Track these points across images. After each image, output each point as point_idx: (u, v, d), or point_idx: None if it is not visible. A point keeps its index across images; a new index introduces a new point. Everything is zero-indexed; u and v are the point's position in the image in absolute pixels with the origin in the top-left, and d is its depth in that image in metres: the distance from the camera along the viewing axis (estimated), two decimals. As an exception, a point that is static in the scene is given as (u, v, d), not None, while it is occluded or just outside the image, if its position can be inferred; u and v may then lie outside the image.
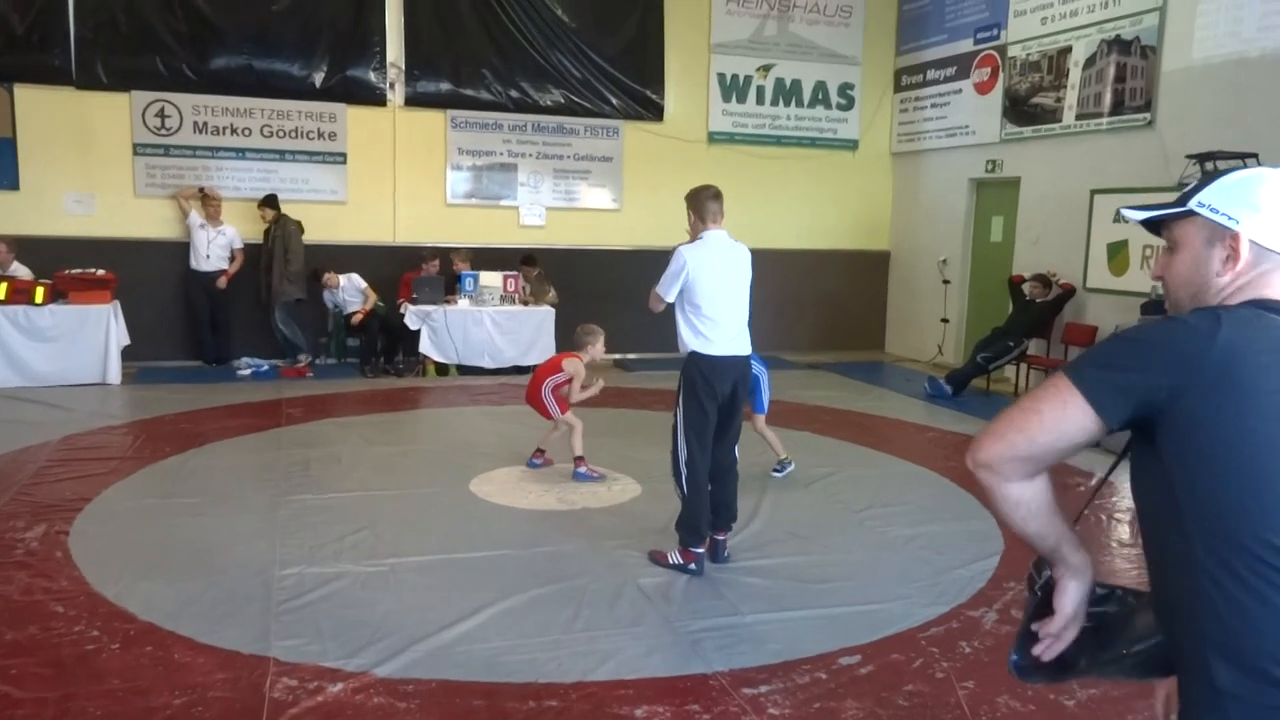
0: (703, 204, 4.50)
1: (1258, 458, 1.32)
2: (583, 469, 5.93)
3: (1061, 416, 1.42)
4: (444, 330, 9.50)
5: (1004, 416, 1.49)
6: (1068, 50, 9.31)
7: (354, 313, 9.63)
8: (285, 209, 9.71)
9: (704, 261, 4.39)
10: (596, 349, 6.15)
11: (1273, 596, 1.31)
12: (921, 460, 6.70)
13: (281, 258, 9.41)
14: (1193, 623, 1.40)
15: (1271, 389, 1.32)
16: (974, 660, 3.62)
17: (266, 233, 9.59)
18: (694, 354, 4.42)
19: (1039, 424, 1.44)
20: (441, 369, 9.64)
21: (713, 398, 4.41)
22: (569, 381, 6.01)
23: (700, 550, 4.45)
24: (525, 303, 9.97)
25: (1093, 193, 8.71)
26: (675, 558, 4.46)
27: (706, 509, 4.48)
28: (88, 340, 8.50)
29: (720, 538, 4.60)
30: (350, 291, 9.70)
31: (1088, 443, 1.44)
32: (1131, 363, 1.40)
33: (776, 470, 6.05)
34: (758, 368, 5.91)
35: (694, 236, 4.53)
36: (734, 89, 11.45)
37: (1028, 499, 1.48)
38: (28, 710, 3.07)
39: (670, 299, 4.46)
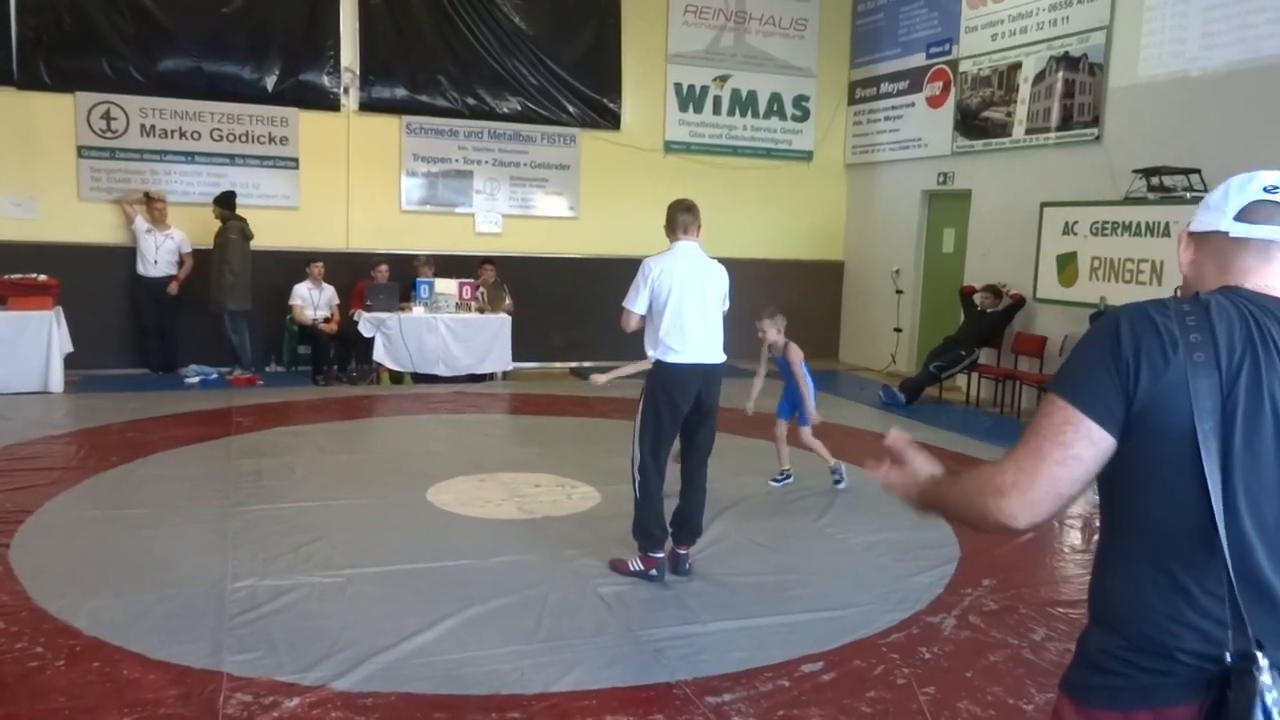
0: (673, 215, 4.52)
1: None
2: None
3: None
4: (398, 338, 9.39)
5: None
6: (1018, 66, 9.50)
7: (326, 318, 9.48)
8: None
9: (668, 270, 4.38)
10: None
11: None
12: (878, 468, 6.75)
13: (219, 268, 9.12)
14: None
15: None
16: (934, 666, 3.65)
17: (216, 235, 9.31)
18: (657, 363, 4.40)
19: None
20: (396, 377, 9.53)
21: (672, 407, 4.37)
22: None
23: (659, 555, 4.43)
24: (481, 310, 9.90)
25: (1042, 205, 8.88)
26: (636, 564, 4.45)
27: (660, 514, 4.45)
28: (28, 347, 8.25)
29: (682, 551, 4.57)
30: (327, 295, 9.56)
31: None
32: None
33: (837, 480, 6.06)
34: (807, 374, 6.03)
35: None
36: (690, 99, 11.51)
37: None
38: (-32, 730, 2.95)
39: (640, 311, 4.42)
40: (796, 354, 5.93)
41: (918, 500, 1.65)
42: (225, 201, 9.28)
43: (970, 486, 1.50)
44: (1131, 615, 1.43)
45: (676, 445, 4.62)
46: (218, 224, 9.25)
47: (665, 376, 4.37)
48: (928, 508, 1.63)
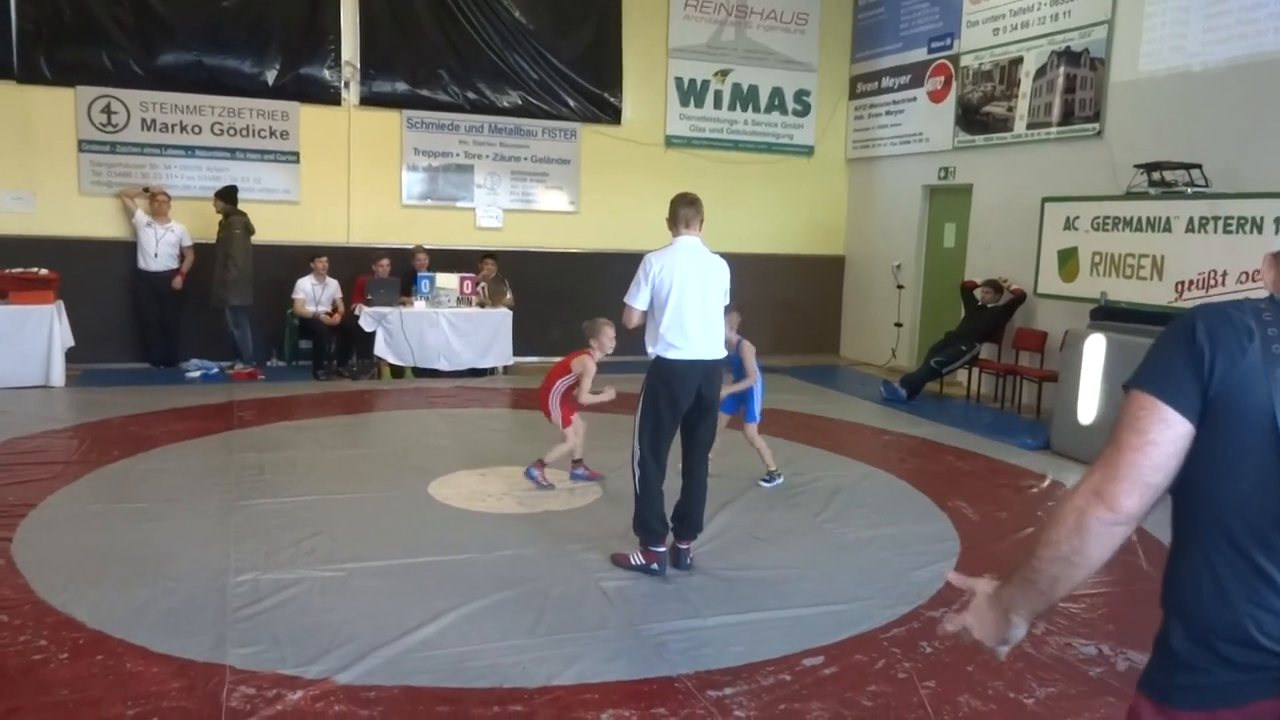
0: (675, 209, 4.52)
1: None
2: (536, 471, 5.79)
3: None
4: (399, 332, 9.40)
5: None
6: (1019, 61, 9.49)
7: (328, 312, 9.48)
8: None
9: (669, 265, 4.37)
10: (604, 340, 5.84)
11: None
12: (878, 463, 6.77)
13: (221, 261, 9.10)
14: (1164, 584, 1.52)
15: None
16: (935, 660, 3.66)
17: (219, 229, 9.27)
18: (657, 359, 4.39)
19: None
20: (397, 372, 9.53)
21: (672, 404, 4.36)
22: (577, 383, 5.80)
23: (661, 549, 4.43)
24: (482, 304, 9.90)
25: (1044, 200, 8.87)
26: (637, 559, 4.45)
27: (660, 509, 4.45)
28: (29, 341, 8.26)
29: (683, 546, 4.56)
30: (330, 290, 9.57)
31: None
32: None
33: (765, 480, 5.96)
34: (758, 375, 5.96)
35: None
36: (692, 93, 11.50)
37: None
38: (-28, 723, 2.96)
39: (641, 306, 4.42)
40: (749, 351, 5.89)
41: (1001, 606, 1.59)
42: (227, 196, 9.25)
43: (1053, 524, 1.49)
44: (1210, 605, 1.42)
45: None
46: (218, 218, 9.24)
47: (665, 373, 4.36)
48: (1017, 602, 1.57)
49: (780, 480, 5.99)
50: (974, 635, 1.62)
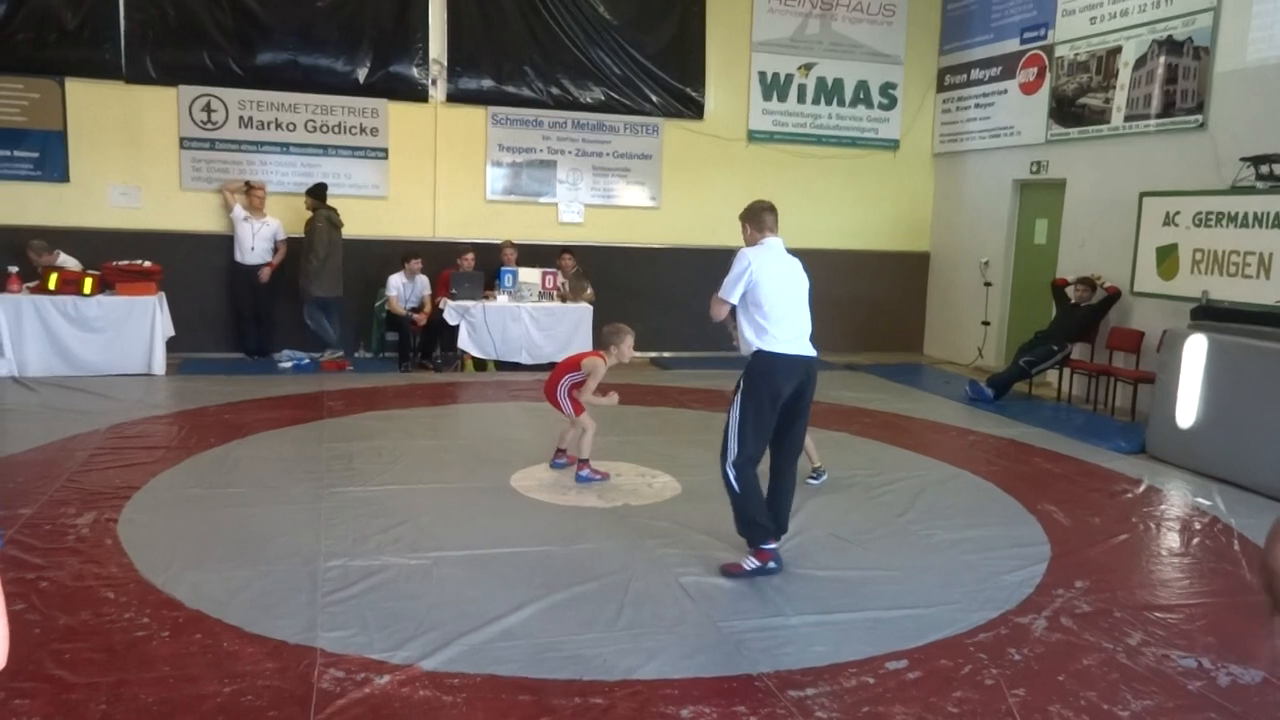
0: (758, 215, 4.58)
1: None
2: (585, 472, 5.80)
3: None
4: (482, 326, 9.54)
5: None
6: (1117, 50, 9.16)
7: (415, 309, 9.69)
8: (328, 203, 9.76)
9: (767, 262, 4.42)
10: (624, 349, 5.87)
11: None
12: (963, 464, 6.62)
13: (306, 254, 9.37)
14: None
15: None
16: (1024, 668, 3.56)
17: (306, 224, 9.58)
18: (759, 352, 4.38)
19: None
20: (479, 364, 9.68)
21: (774, 397, 4.35)
22: (583, 383, 5.87)
23: (773, 546, 4.40)
24: (563, 299, 9.99)
25: (1141, 195, 8.56)
26: (751, 562, 4.36)
27: (762, 504, 4.42)
28: (134, 331, 8.63)
29: (773, 545, 4.53)
30: (419, 287, 9.78)
31: None
32: None
33: (812, 478, 5.91)
34: None
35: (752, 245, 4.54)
36: (774, 87, 11.39)
37: None
38: (81, 695, 3.11)
39: (734, 300, 4.42)
40: None
41: None
42: (315, 192, 9.54)
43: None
44: None
45: None
46: (309, 214, 9.52)
47: (770, 365, 4.35)
48: None
49: (825, 476, 5.94)
50: None
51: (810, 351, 4.46)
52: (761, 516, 4.40)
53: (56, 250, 8.77)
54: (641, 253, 11.01)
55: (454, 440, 6.97)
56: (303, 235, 9.53)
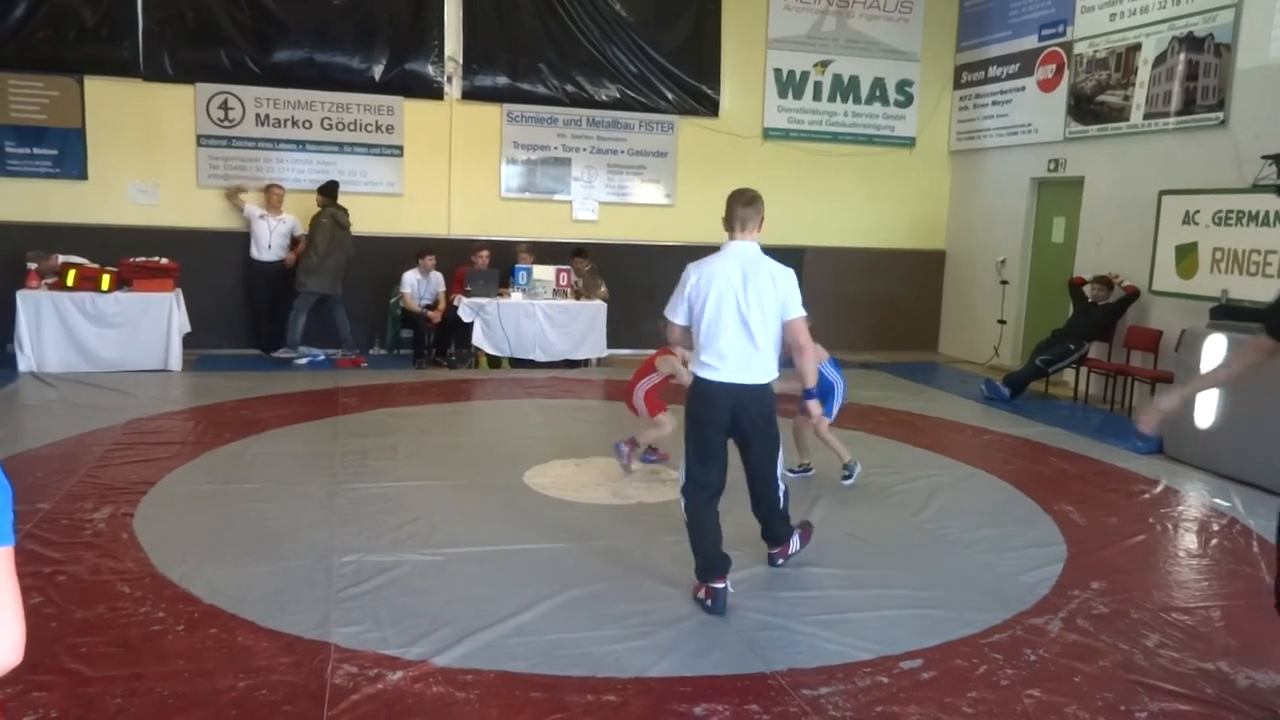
0: (729, 209, 4.05)
1: None
2: (624, 446, 5.96)
3: None
4: (497, 323, 9.55)
5: None
6: (1137, 47, 9.08)
7: (429, 306, 9.71)
8: (342, 201, 9.78)
9: (707, 275, 3.93)
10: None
11: None
12: (979, 463, 6.59)
13: (307, 249, 9.42)
14: None
15: None
16: (1040, 668, 3.54)
17: (312, 220, 9.55)
18: (694, 376, 4.02)
19: None
20: (494, 362, 9.69)
21: (709, 424, 3.94)
22: (664, 382, 5.86)
23: (717, 585, 3.92)
24: (577, 296, 9.99)
25: (1161, 193, 8.48)
26: (696, 592, 4.02)
27: (711, 539, 3.98)
28: (151, 327, 8.69)
29: (771, 551, 4.44)
30: (434, 284, 9.79)
31: None
32: None
33: (845, 477, 5.81)
34: (834, 376, 5.79)
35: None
36: (790, 85, 11.35)
37: None
38: (98, 688, 3.12)
39: (678, 320, 4.02)
40: (820, 354, 5.64)
41: None
42: (326, 190, 9.60)
43: None
44: None
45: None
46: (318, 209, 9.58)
47: (695, 392, 4.00)
48: None
49: (858, 469, 5.84)
50: None
51: (749, 379, 3.90)
52: (705, 550, 3.97)
53: (54, 254, 8.74)
54: (656, 250, 10.98)
55: (468, 437, 6.98)
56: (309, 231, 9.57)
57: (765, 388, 3.96)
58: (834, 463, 5.94)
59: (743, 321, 3.87)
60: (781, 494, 4.28)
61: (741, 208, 4.01)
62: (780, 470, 4.22)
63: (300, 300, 9.46)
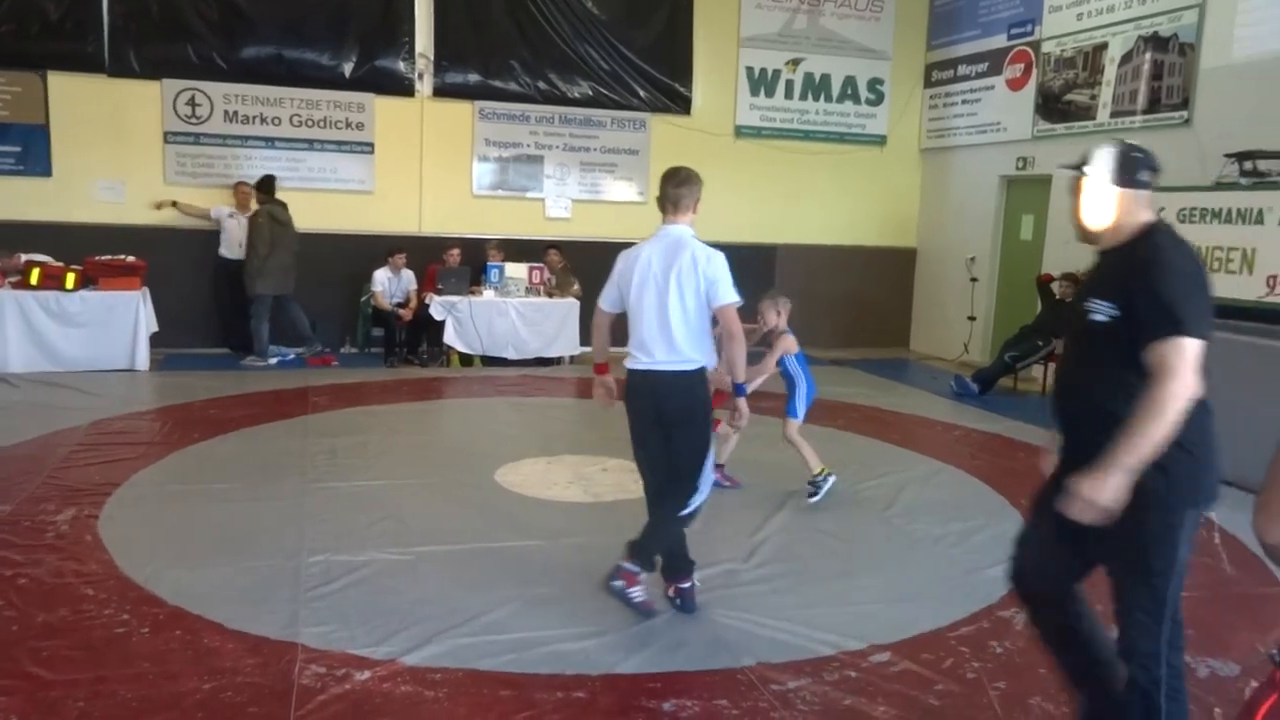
0: (661, 190, 3.84)
1: None
2: (715, 476, 5.58)
3: None
4: (469, 321, 9.52)
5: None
6: (1103, 47, 9.19)
7: (401, 304, 9.64)
8: (312, 198, 9.73)
9: (631, 262, 3.80)
10: (770, 317, 5.40)
11: None
12: (948, 458, 6.64)
13: (249, 251, 9.16)
14: None
15: None
16: (1006, 661, 3.57)
17: (250, 220, 9.28)
18: (626, 369, 3.87)
19: None
20: (466, 360, 9.66)
21: (641, 418, 3.81)
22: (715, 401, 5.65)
23: (684, 585, 3.88)
24: (550, 294, 9.97)
25: (1126, 191, 8.58)
26: (667, 591, 3.95)
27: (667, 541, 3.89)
28: (117, 326, 8.57)
29: (684, 585, 3.89)
30: (405, 282, 9.72)
31: None
32: None
33: (810, 488, 5.42)
34: (798, 371, 5.50)
35: None
36: (762, 83, 11.39)
37: None
38: (60, 692, 3.08)
39: (605, 307, 3.90)
40: (781, 344, 5.42)
41: None
42: (263, 186, 9.34)
43: None
44: None
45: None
46: (289, 207, 9.46)
47: (626, 386, 3.85)
48: None
49: (828, 486, 5.41)
50: None
51: (669, 366, 3.70)
52: (663, 549, 3.88)
53: (17, 253, 8.58)
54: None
55: (439, 436, 6.95)
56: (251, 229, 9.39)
57: (689, 376, 3.73)
58: (803, 470, 5.64)
59: (662, 307, 3.69)
60: (692, 504, 3.82)
61: (673, 188, 3.79)
62: (705, 478, 3.83)
63: (257, 307, 9.23)
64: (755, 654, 3.54)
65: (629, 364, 3.82)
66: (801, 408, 5.50)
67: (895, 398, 8.83)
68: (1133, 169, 2.54)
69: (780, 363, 5.51)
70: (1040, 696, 3.31)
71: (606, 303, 3.92)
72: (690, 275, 3.67)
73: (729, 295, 3.70)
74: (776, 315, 5.46)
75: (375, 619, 3.70)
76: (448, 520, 4.94)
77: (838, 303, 11.71)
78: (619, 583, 3.76)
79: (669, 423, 3.77)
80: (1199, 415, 2.41)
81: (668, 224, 3.82)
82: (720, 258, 3.74)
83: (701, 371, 3.77)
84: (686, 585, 3.91)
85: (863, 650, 3.60)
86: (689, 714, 3.12)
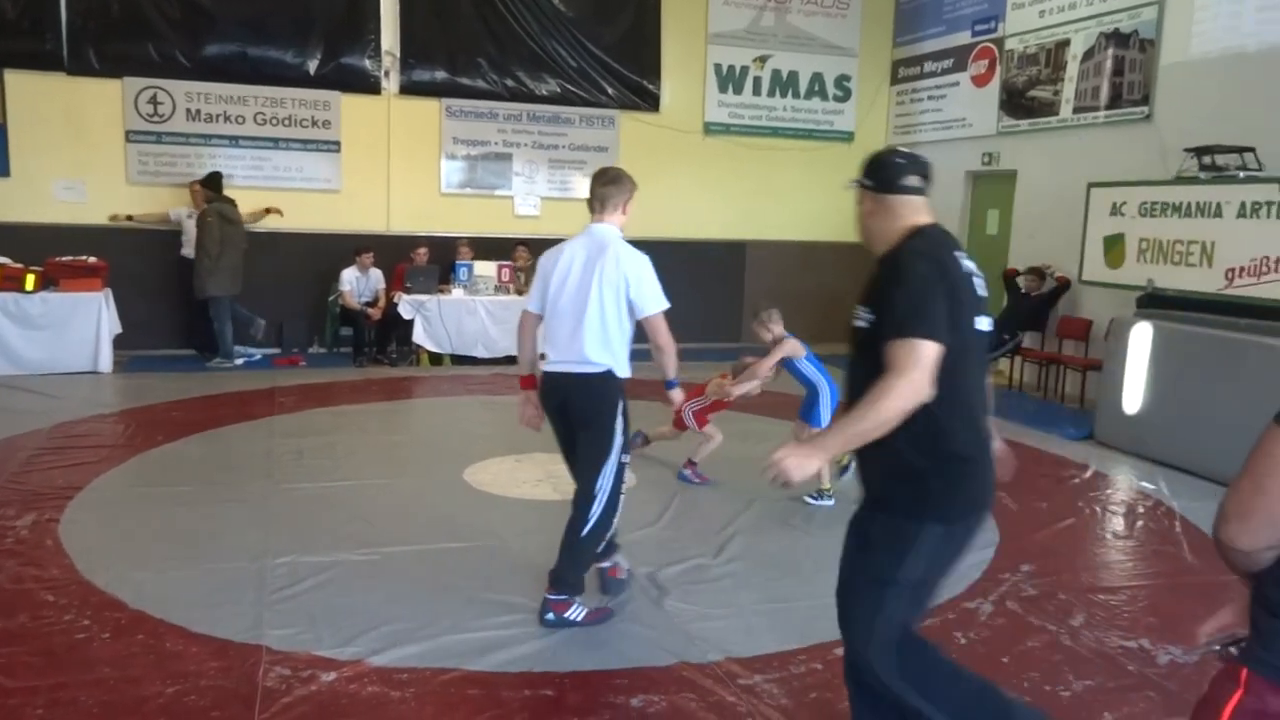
0: (590, 189, 3.78)
1: None
2: (687, 471, 5.68)
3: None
4: (438, 320, 9.47)
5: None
6: (1066, 43, 9.29)
7: (369, 303, 9.57)
8: (278, 197, 9.63)
9: (551, 261, 3.76)
10: (765, 335, 5.49)
11: None
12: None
13: (198, 252, 9.00)
14: None
15: None
16: (970, 651, 3.61)
17: (198, 219, 9.11)
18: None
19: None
20: (435, 359, 9.61)
21: (555, 418, 3.79)
22: (714, 406, 5.67)
23: (602, 564, 3.93)
24: (520, 292, 9.93)
25: (1089, 186, 8.70)
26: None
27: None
28: (79, 328, 8.45)
29: (548, 596, 3.70)
30: (373, 281, 9.65)
31: None
32: None
33: (812, 497, 5.36)
34: (816, 375, 5.47)
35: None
36: (730, 80, 11.42)
37: None
38: (19, 699, 3.04)
39: (531, 308, 3.82)
40: (780, 349, 5.45)
41: None
42: (209, 183, 9.17)
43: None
44: None
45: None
46: (255, 205, 9.36)
47: (541, 385, 3.82)
48: None
49: (830, 503, 5.33)
50: None
51: (577, 368, 3.64)
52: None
53: None
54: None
55: (408, 435, 6.91)
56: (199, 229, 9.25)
57: (597, 379, 3.63)
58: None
59: (579, 308, 3.61)
60: (593, 518, 3.66)
61: (600, 186, 3.72)
62: (604, 486, 3.67)
63: (217, 309, 9.09)
64: (723, 649, 3.56)
65: (544, 365, 3.77)
66: (826, 414, 5.37)
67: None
68: (897, 175, 2.48)
69: (794, 371, 5.51)
70: (1002, 685, 3.33)
71: (533, 304, 3.81)
72: (612, 277, 3.58)
73: (655, 305, 3.61)
74: (769, 331, 5.50)
75: (341, 620, 3.68)
76: (415, 520, 4.92)
77: (808, 298, 11.72)
78: (551, 615, 3.66)
79: (573, 425, 3.73)
80: (952, 429, 2.31)
81: (594, 223, 3.74)
82: (644, 261, 3.64)
83: (610, 375, 3.66)
84: (606, 564, 3.94)
85: (828, 643, 3.61)
86: (656, 709, 3.13)
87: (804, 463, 2.27)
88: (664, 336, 3.69)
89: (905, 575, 2.37)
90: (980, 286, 2.48)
